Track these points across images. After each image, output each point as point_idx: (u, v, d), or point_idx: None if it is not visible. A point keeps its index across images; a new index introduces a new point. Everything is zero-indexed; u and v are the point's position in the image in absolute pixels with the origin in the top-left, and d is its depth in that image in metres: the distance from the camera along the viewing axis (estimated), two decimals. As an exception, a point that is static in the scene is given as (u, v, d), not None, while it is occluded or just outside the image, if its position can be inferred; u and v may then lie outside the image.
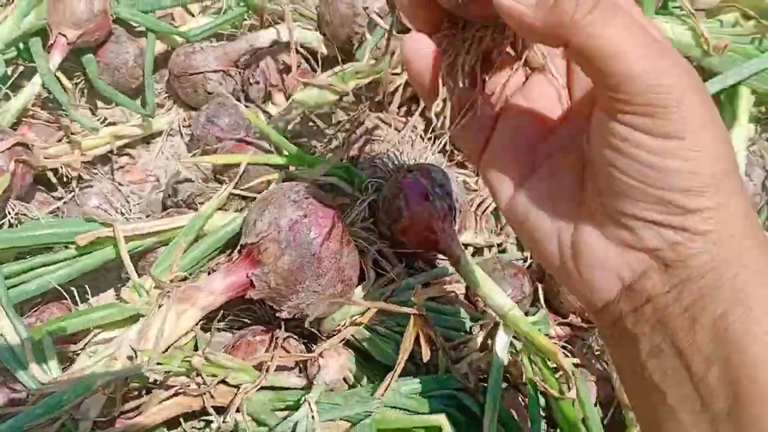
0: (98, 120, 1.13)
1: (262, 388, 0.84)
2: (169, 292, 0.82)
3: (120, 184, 1.13)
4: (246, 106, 1.18)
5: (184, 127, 1.22)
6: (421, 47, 0.47)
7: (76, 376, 0.78)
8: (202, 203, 1.03)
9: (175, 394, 0.78)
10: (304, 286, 0.84)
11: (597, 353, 1.03)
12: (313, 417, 0.78)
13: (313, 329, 0.95)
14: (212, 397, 0.79)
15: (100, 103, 1.21)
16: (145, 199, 1.13)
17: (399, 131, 1.13)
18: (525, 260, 1.13)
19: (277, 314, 0.89)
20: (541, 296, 1.03)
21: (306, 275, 0.84)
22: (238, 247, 0.88)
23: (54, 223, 0.92)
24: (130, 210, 1.07)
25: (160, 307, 0.82)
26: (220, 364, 0.80)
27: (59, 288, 0.88)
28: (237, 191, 0.99)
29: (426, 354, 0.86)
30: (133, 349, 0.79)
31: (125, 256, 0.87)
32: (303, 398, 0.81)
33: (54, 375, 0.79)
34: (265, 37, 1.15)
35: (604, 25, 0.37)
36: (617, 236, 0.42)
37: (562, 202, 0.47)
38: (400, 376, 0.85)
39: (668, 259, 0.40)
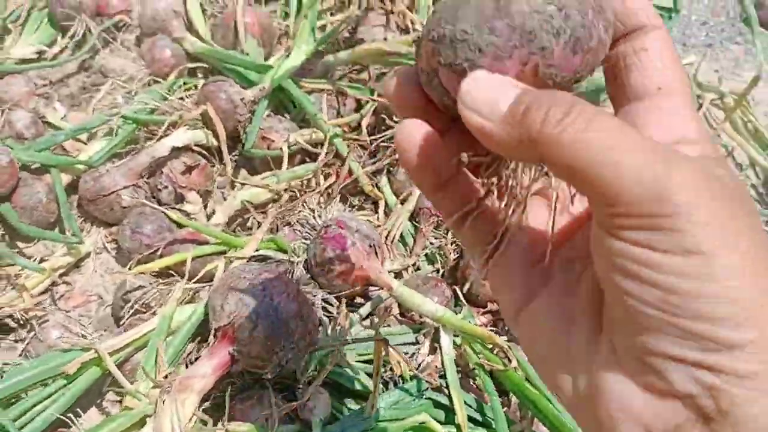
0: (31, 259, 1.20)
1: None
2: (168, 387, 0.94)
3: (67, 312, 1.21)
4: (162, 212, 1.30)
5: (107, 243, 1.32)
6: (415, 137, 0.41)
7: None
8: (153, 306, 1.15)
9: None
10: (280, 346, 0.99)
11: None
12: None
13: (288, 381, 1.10)
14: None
15: (20, 244, 1.28)
16: (95, 318, 1.22)
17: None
18: (437, 271, 1.34)
19: (262, 377, 1.04)
20: (461, 296, 1.24)
21: (280, 338, 0.99)
22: (213, 332, 1.01)
23: (35, 363, 1.00)
24: (90, 333, 1.15)
25: (163, 402, 0.94)
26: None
27: (63, 418, 0.97)
28: (188, 285, 1.12)
29: (397, 369, 1.04)
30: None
31: (114, 370, 0.98)
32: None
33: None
34: (163, 147, 1.28)
35: (584, 130, 0.32)
36: (642, 378, 0.33)
37: (576, 328, 0.39)
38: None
39: (707, 409, 0.31)
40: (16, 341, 1.14)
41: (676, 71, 0.40)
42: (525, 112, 0.33)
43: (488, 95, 0.35)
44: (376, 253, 1.18)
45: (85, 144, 1.40)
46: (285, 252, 1.21)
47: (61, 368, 0.98)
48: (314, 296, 1.14)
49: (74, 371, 0.98)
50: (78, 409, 1.06)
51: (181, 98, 1.39)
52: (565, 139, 0.32)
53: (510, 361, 1.05)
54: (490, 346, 1.09)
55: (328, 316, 1.15)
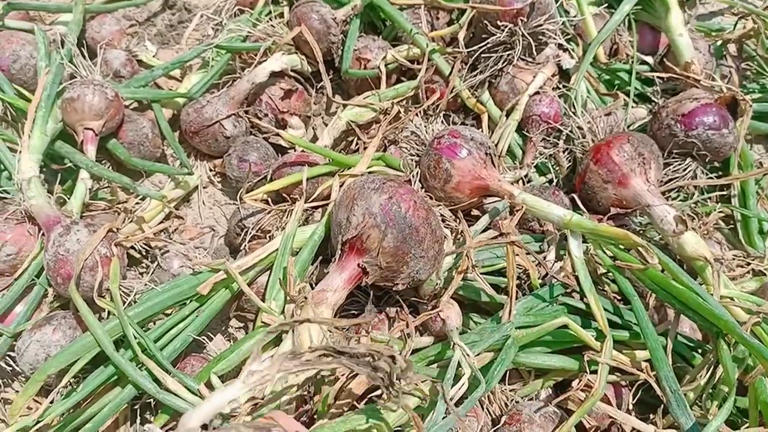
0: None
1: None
2: (302, 301, 0.92)
3: (183, 244, 1.21)
4: (265, 139, 1.28)
5: (213, 176, 1.31)
6: None
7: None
8: (270, 230, 1.13)
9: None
10: (411, 255, 0.96)
11: (642, 230, 1.20)
12: (468, 354, 0.90)
13: (413, 298, 1.07)
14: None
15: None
16: (210, 248, 1.22)
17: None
18: (550, 182, 1.29)
19: (393, 288, 1.01)
20: (579, 203, 1.18)
21: (410, 246, 0.95)
22: (340, 246, 0.99)
23: (168, 287, 1.00)
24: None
25: (299, 315, 0.92)
26: (380, 340, 0.91)
27: (198, 338, 0.97)
28: (307, 205, 1.09)
29: (534, 273, 1.00)
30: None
31: (246, 288, 0.97)
32: (452, 344, 0.93)
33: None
34: (262, 72, 1.25)
35: None
36: None
37: None
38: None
39: None
40: (141, 274, 1.15)
41: None
42: None
43: None
44: (492, 162, 1.13)
45: (179, 81, 1.39)
46: (396, 169, 1.17)
47: (195, 289, 0.98)
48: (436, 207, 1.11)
49: (207, 291, 0.97)
50: (209, 333, 1.06)
51: (271, 24, 1.35)
52: None
53: (651, 258, 0.99)
54: (622, 248, 1.04)
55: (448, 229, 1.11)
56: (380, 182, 0.98)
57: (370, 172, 1.14)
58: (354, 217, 0.97)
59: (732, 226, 1.31)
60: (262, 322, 0.97)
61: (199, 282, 0.98)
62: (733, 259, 1.23)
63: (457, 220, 1.13)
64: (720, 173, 1.33)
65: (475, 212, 1.21)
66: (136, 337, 0.91)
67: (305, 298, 0.93)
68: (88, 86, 1.15)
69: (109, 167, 1.24)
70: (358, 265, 0.97)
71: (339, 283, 0.97)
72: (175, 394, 0.89)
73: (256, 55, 1.30)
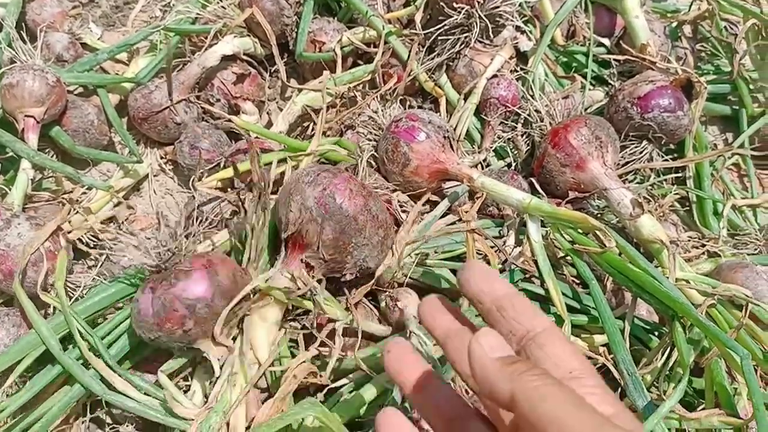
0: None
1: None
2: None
3: (133, 235, 1.17)
4: (216, 127, 1.24)
5: (164, 164, 1.27)
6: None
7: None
8: (227, 218, 1.10)
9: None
10: (353, 244, 0.94)
11: (600, 213, 1.20)
12: (425, 343, 0.89)
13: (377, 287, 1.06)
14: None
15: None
16: (162, 239, 1.18)
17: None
18: (509, 165, 1.28)
19: (342, 279, 0.99)
20: (538, 187, 1.18)
21: (350, 235, 0.93)
22: (282, 244, 0.96)
23: (115, 281, 0.96)
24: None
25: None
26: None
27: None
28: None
29: (493, 259, 0.99)
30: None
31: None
32: (408, 333, 0.92)
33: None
34: (213, 56, 1.21)
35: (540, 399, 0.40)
36: None
37: None
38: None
39: None
40: (89, 267, 1.10)
41: (580, 358, 0.48)
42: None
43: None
44: (451, 145, 1.11)
45: (126, 65, 1.33)
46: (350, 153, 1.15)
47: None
48: (388, 196, 1.09)
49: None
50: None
51: (222, 6, 1.30)
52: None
53: (609, 241, 0.99)
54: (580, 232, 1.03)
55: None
56: (314, 174, 0.96)
57: (321, 157, 1.12)
58: (291, 213, 0.94)
59: (687, 207, 1.33)
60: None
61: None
62: (689, 240, 1.24)
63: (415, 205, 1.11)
64: (675, 155, 1.34)
65: (433, 197, 1.19)
66: (82, 335, 0.88)
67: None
68: (27, 71, 1.10)
69: (53, 156, 1.19)
70: (302, 260, 0.95)
71: (286, 282, 0.94)
72: (124, 394, 0.86)
73: (206, 38, 1.26)
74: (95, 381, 0.87)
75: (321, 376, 0.90)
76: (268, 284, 0.90)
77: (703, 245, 1.22)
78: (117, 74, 1.30)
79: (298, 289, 0.90)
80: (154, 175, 1.26)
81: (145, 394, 0.88)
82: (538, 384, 0.41)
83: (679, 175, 1.32)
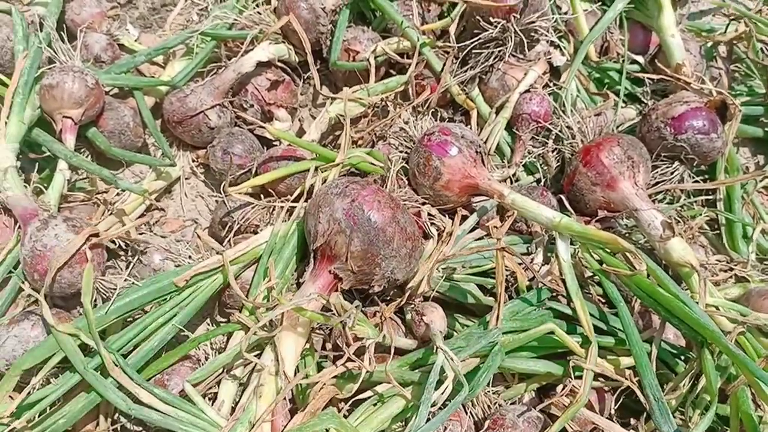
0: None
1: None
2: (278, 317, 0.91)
3: (164, 237, 1.19)
4: (250, 131, 1.26)
5: (196, 167, 1.28)
6: None
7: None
8: (256, 224, 1.11)
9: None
10: (381, 256, 0.94)
11: (628, 233, 1.20)
12: (452, 359, 0.89)
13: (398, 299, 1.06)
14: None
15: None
16: (192, 242, 1.19)
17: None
18: (538, 182, 1.28)
19: (370, 291, 1.00)
20: (567, 204, 1.17)
21: (378, 247, 0.94)
22: (311, 255, 0.97)
23: (147, 282, 0.98)
24: (189, 256, 1.12)
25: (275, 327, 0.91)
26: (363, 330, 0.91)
27: (181, 329, 0.95)
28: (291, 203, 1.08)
29: (522, 277, 0.99)
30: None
31: (232, 281, 0.95)
32: (435, 348, 0.92)
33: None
34: (249, 62, 1.22)
35: None
36: None
37: None
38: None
39: None
40: (123, 268, 1.12)
41: None
42: None
43: None
44: (482, 160, 1.11)
45: (162, 67, 1.35)
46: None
47: (174, 282, 0.96)
48: (418, 209, 1.09)
49: (183, 283, 0.95)
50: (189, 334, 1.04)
51: (258, 12, 1.31)
52: None
53: (639, 264, 0.98)
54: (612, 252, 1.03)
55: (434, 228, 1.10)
56: (343, 186, 0.97)
57: (352, 167, 1.12)
58: (320, 224, 0.95)
59: (716, 230, 1.32)
60: (238, 322, 0.95)
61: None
62: (717, 263, 1.23)
63: (444, 219, 1.12)
64: (706, 177, 1.33)
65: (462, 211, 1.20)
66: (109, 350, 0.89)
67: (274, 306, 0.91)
68: (67, 73, 1.11)
69: (88, 156, 1.21)
70: (330, 272, 0.96)
71: (314, 293, 0.95)
72: (149, 407, 0.87)
73: (242, 43, 1.27)
74: (120, 397, 0.88)
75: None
76: (302, 307, 0.90)
77: (731, 269, 1.21)
78: (153, 77, 1.32)
79: (335, 314, 0.91)
80: (186, 178, 1.27)
81: (170, 404, 0.89)
82: None
83: (710, 197, 1.31)
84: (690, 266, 1.04)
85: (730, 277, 1.21)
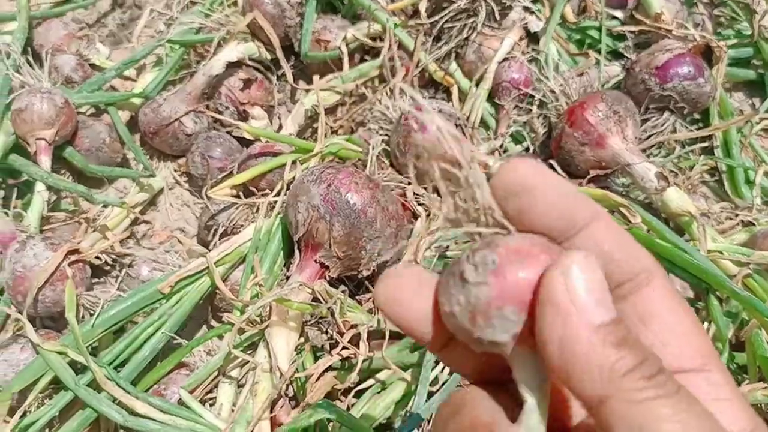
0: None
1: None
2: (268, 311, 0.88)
3: (151, 249, 1.17)
4: (228, 133, 1.24)
5: (178, 176, 1.26)
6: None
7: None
8: (242, 225, 1.09)
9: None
10: (365, 238, 0.92)
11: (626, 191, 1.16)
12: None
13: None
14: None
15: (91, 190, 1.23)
16: (182, 250, 1.17)
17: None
18: (527, 150, 1.24)
19: (359, 276, 0.97)
20: (558, 168, 1.14)
21: (361, 229, 0.91)
22: (296, 247, 0.95)
23: (132, 293, 0.96)
24: (180, 265, 1.10)
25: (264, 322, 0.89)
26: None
27: (173, 336, 0.93)
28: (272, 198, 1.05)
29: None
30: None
31: (219, 282, 0.93)
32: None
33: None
34: (218, 63, 1.20)
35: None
36: None
37: None
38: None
39: None
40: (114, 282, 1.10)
41: (703, 338, 0.34)
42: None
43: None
44: (464, 133, 1.08)
45: (135, 81, 1.33)
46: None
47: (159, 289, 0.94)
48: (403, 189, 1.07)
49: (168, 290, 0.93)
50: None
51: (226, 15, 1.29)
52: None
53: (633, 216, 0.95)
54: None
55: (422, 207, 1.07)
56: (318, 173, 0.94)
57: (333, 156, 1.10)
58: (299, 214, 0.93)
59: (717, 178, 1.27)
60: (228, 322, 0.93)
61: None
62: (721, 211, 1.19)
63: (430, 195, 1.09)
64: (700, 125, 1.29)
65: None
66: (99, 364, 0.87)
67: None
68: (35, 95, 1.10)
69: (69, 177, 1.19)
70: (316, 261, 0.93)
71: (297, 282, 0.92)
72: (146, 417, 0.85)
73: (210, 47, 1.25)
74: (114, 409, 0.86)
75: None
76: (288, 298, 0.88)
77: (737, 215, 1.16)
78: (127, 91, 1.30)
79: (322, 302, 0.88)
80: (170, 189, 1.26)
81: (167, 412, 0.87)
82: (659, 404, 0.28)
83: (706, 145, 1.27)
84: (689, 214, 1.01)
85: (737, 224, 1.16)
